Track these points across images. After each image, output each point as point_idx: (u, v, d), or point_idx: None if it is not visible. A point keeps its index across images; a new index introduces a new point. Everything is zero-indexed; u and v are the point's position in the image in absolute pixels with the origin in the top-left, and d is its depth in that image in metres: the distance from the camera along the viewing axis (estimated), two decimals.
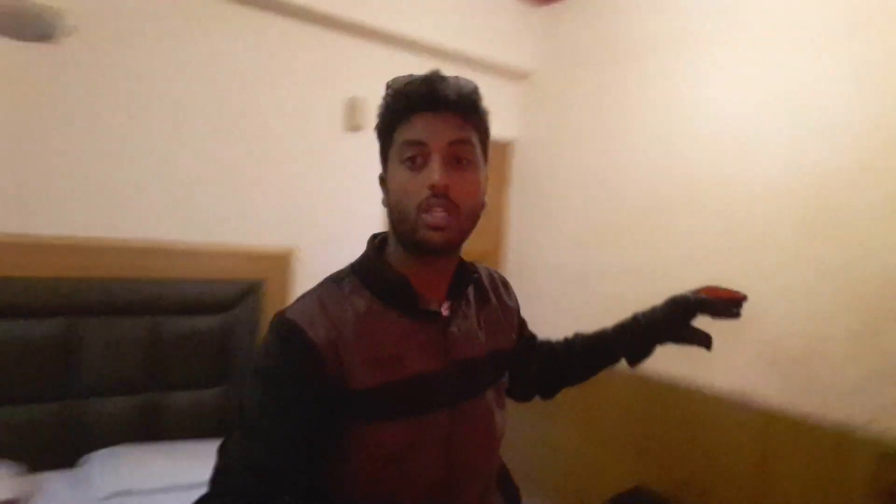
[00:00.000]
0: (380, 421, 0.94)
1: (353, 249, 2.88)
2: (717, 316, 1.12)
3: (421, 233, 0.93)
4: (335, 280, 1.00)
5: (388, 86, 0.99)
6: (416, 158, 0.94)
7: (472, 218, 0.98)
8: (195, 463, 2.35)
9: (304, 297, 0.98)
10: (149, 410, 2.57)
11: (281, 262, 2.86)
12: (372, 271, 0.99)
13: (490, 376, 1.09)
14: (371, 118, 2.99)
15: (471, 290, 1.10)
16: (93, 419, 2.45)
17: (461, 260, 1.08)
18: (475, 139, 0.99)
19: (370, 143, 2.96)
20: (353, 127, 3.07)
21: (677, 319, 1.16)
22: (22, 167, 2.33)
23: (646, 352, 1.21)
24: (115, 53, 2.46)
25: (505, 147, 3.77)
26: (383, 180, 1.02)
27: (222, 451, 0.89)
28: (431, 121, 0.94)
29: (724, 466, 2.59)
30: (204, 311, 2.68)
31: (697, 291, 1.16)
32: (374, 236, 1.07)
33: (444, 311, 1.02)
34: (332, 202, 3.04)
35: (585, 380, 1.28)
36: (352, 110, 3.06)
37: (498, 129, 3.84)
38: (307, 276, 2.93)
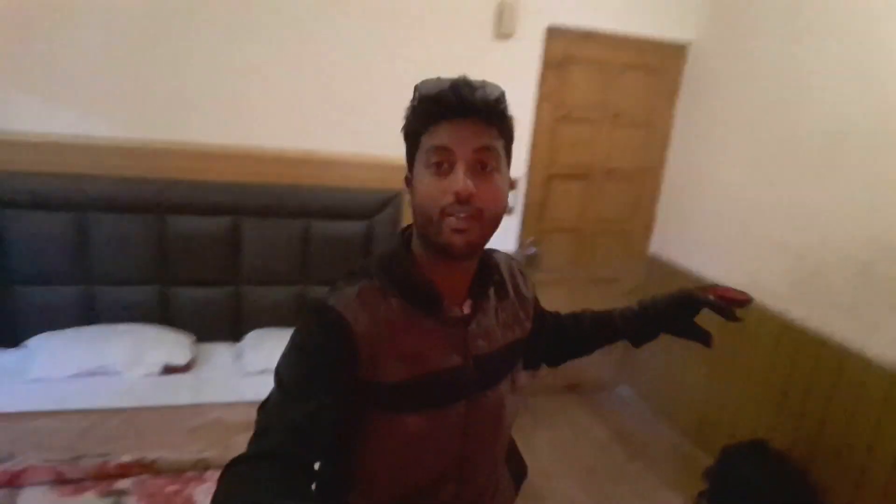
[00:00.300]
0: (404, 412, 1.00)
1: None
2: (722, 316, 1.12)
3: (445, 236, 0.95)
4: (366, 275, 1.03)
5: (416, 89, 1.01)
6: (442, 164, 0.95)
7: (495, 223, 1.00)
8: None
9: (340, 288, 1.01)
10: (298, 299, 2.89)
11: None
12: (401, 275, 1.02)
13: (507, 367, 1.13)
14: (522, 24, 2.87)
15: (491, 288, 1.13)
16: (252, 303, 2.84)
17: (485, 255, 1.11)
18: (500, 146, 0.99)
19: (519, 52, 2.88)
20: (503, 34, 2.97)
21: (682, 315, 1.18)
22: (196, 83, 2.60)
23: (650, 338, 1.25)
24: None
25: (677, 51, 3.35)
26: (409, 181, 1.04)
27: (262, 412, 0.94)
28: (458, 127, 0.95)
29: (859, 436, 2.42)
30: (349, 216, 2.88)
31: (705, 289, 1.16)
32: (404, 229, 1.10)
33: (466, 310, 1.07)
34: None
35: (590, 354, 1.33)
36: (501, 16, 2.93)
37: (671, 29, 3.51)
38: None
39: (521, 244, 3.28)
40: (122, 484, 1.88)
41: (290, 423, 0.87)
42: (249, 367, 2.57)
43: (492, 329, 1.10)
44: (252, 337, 2.74)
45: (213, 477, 1.96)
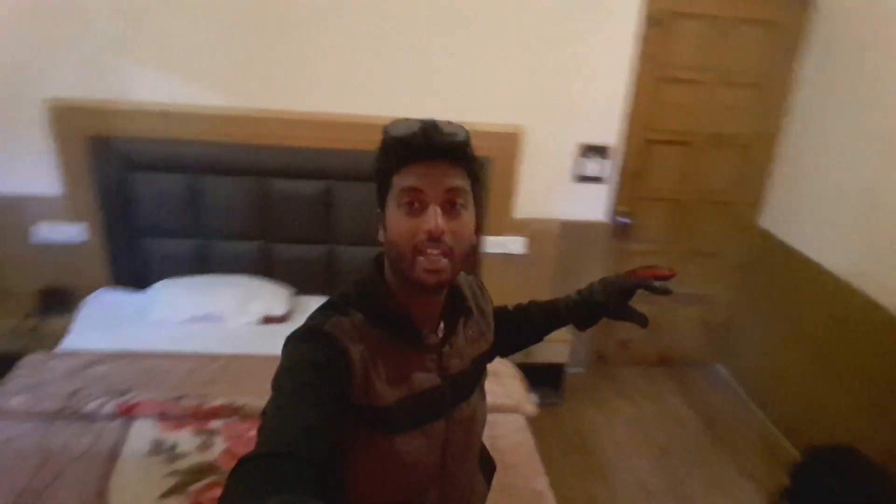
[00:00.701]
0: (392, 433, 1.07)
1: (578, 132, 2.76)
2: (653, 292, 1.20)
3: (417, 273, 1.01)
4: (349, 305, 1.08)
5: (386, 131, 1.04)
6: (414, 203, 1.00)
7: (464, 257, 1.05)
8: None
9: (328, 316, 1.05)
10: None
11: (509, 141, 2.93)
12: (381, 312, 1.07)
13: (476, 380, 1.22)
14: None
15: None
16: (343, 260, 3.04)
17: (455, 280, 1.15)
18: (467, 185, 1.04)
19: (615, 8, 2.69)
20: None
21: (619, 300, 1.25)
22: (292, 53, 2.74)
23: (593, 323, 1.33)
24: None
25: (802, 1, 2.98)
26: (379, 218, 1.09)
27: (269, 415, 0.93)
28: (428, 169, 1.00)
29: None
30: None
31: (632, 273, 1.25)
32: (377, 256, 1.14)
33: (440, 334, 1.14)
34: (564, 79, 2.90)
35: (538, 342, 1.42)
36: None
37: None
38: (533, 155, 2.98)
39: (613, 213, 3.17)
40: (214, 424, 2.16)
41: (302, 424, 0.88)
42: None
43: (462, 348, 1.17)
44: None
45: None
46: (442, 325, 1.15)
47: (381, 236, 1.08)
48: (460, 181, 1.02)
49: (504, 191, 3.01)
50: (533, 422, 2.36)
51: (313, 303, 2.92)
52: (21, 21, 2.55)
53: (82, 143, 2.69)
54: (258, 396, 2.21)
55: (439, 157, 1.00)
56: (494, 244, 3.10)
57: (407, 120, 1.03)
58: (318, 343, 1.01)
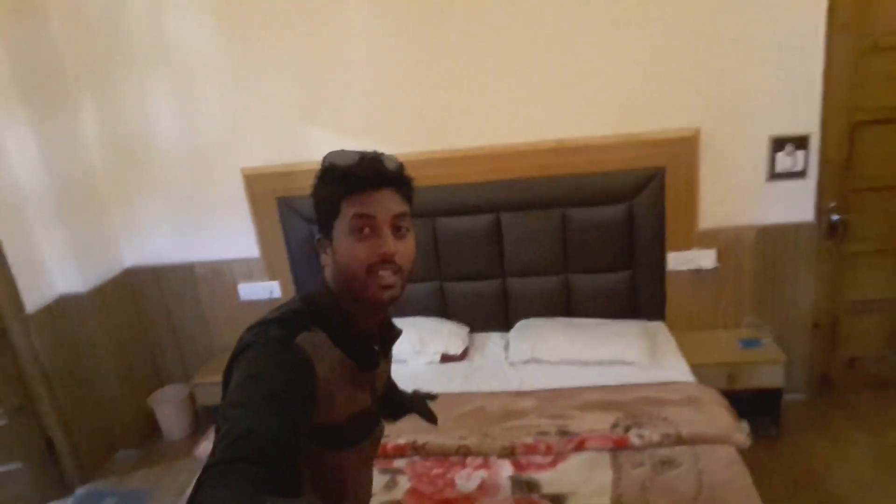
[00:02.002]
0: (339, 449, 1.13)
1: (767, 123, 2.49)
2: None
3: (372, 291, 1.07)
4: (304, 319, 1.09)
5: (331, 162, 1.09)
6: (364, 229, 1.07)
7: (409, 275, 1.12)
8: (594, 341, 2.70)
9: (296, 329, 1.06)
10: (562, 289, 2.94)
11: (683, 146, 2.69)
12: (339, 330, 1.11)
13: (380, 399, 1.32)
14: None
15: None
16: (518, 294, 2.97)
17: None
18: (408, 210, 1.13)
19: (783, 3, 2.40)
20: None
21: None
22: (444, 95, 2.79)
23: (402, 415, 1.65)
24: None
25: None
26: (322, 243, 1.13)
27: (233, 419, 0.90)
28: (376, 196, 1.07)
29: None
30: (608, 201, 2.80)
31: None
32: (318, 278, 1.17)
33: (380, 362, 1.22)
34: (743, 67, 2.60)
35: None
36: None
37: None
38: (713, 159, 2.69)
39: (820, 211, 2.74)
40: (398, 463, 2.18)
41: (272, 433, 0.88)
42: (514, 357, 2.72)
43: (382, 370, 1.26)
44: (518, 327, 2.88)
45: (473, 463, 2.15)
46: (377, 347, 1.21)
47: (324, 260, 1.13)
48: (404, 207, 1.11)
49: (685, 200, 2.75)
50: (746, 457, 2.05)
51: (490, 339, 2.94)
52: (218, 105, 2.90)
53: (273, 205, 2.96)
54: (439, 434, 2.24)
55: (385, 185, 1.08)
56: (680, 260, 2.83)
57: (344, 151, 1.10)
58: (290, 356, 1.01)
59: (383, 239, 1.06)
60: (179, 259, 3.15)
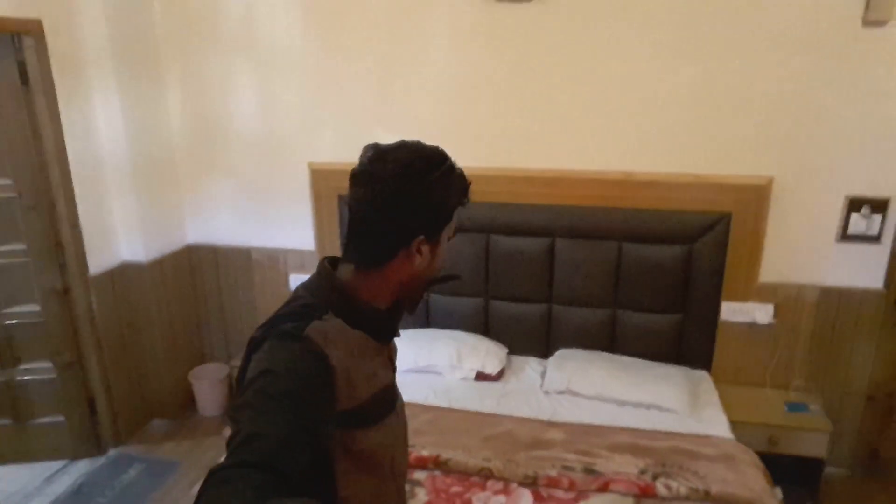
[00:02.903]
0: (368, 428, 1.09)
1: (845, 182, 2.39)
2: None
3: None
4: (320, 311, 1.05)
5: (455, 166, 1.09)
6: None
7: None
8: (633, 381, 2.62)
9: (306, 321, 1.01)
10: (608, 324, 2.88)
11: (754, 194, 2.60)
12: (355, 313, 1.08)
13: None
14: None
15: None
16: (562, 322, 2.93)
17: None
18: None
19: (884, 40, 2.28)
20: (872, 21, 2.39)
21: None
22: (513, 113, 2.80)
23: None
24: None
25: None
26: (422, 243, 1.07)
27: (243, 421, 0.89)
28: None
29: None
30: (667, 240, 2.73)
31: None
32: (325, 260, 1.13)
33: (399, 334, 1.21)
34: (826, 122, 2.51)
35: None
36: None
37: None
38: (784, 211, 2.60)
39: (891, 280, 2.61)
40: (418, 475, 2.16)
41: (281, 435, 0.86)
42: (549, 386, 2.69)
43: (395, 343, 1.24)
44: (558, 356, 2.85)
45: (493, 487, 2.13)
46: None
47: (417, 261, 1.08)
48: None
49: (748, 251, 2.67)
50: None
51: (528, 363, 2.91)
52: (296, 97, 2.99)
53: (334, 201, 3.02)
54: (463, 452, 2.22)
55: None
56: (735, 311, 2.74)
57: (436, 147, 1.10)
58: (299, 349, 0.97)
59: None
60: (239, 242, 3.25)
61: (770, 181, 2.58)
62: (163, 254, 3.13)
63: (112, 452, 3.01)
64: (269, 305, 3.28)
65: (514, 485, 2.12)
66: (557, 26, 2.64)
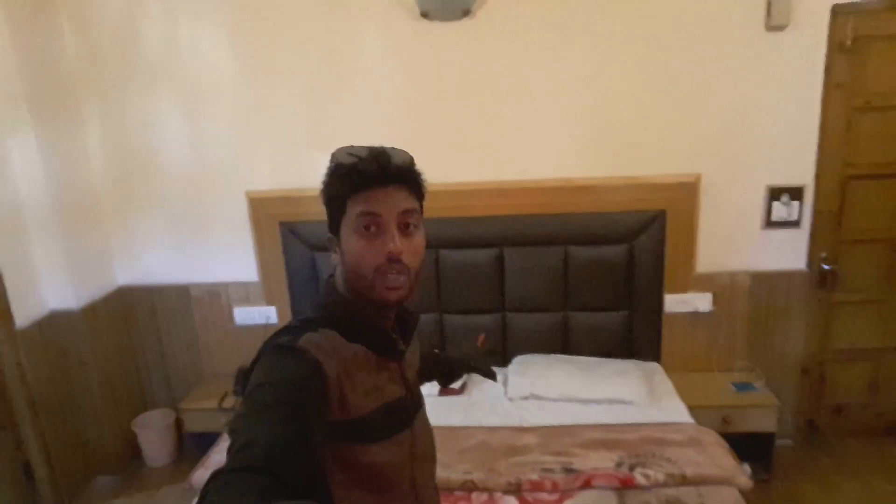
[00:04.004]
0: (367, 443, 1.08)
1: (765, 173, 2.58)
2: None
3: (378, 292, 1.05)
4: (317, 325, 1.07)
5: (337, 159, 1.07)
6: (370, 227, 1.04)
7: (420, 274, 1.09)
8: (592, 379, 2.71)
9: (300, 332, 1.04)
10: (560, 326, 2.97)
11: (684, 191, 2.77)
12: (353, 325, 1.09)
13: (419, 389, 1.26)
14: (798, 11, 2.51)
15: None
16: (516, 330, 2.99)
17: None
18: (418, 206, 1.09)
19: (798, 41, 2.51)
20: (774, 27, 2.60)
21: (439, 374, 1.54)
22: (452, 129, 2.85)
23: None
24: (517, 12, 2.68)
25: None
26: (331, 241, 1.11)
27: (239, 427, 0.91)
28: (382, 194, 1.04)
29: None
30: (608, 241, 2.85)
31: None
32: (329, 279, 1.15)
33: (402, 347, 1.18)
34: (746, 119, 2.72)
35: None
36: (770, 7, 2.58)
37: None
38: (712, 205, 2.79)
39: (812, 260, 2.85)
40: None
41: (276, 440, 0.87)
42: (512, 393, 2.73)
43: (411, 359, 1.22)
44: (516, 363, 2.89)
45: (478, 498, 2.13)
46: (395, 336, 1.18)
47: (334, 259, 1.11)
48: (412, 203, 1.07)
49: (684, 244, 2.83)
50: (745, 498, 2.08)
51: None
52: (227, 125, 2.90)
53: (275, 229, 2.94)
54: (442, 468, 2.18)
55: (392, 182, 1.05)
56: (677, 302, 2.89)
57: (353, 147, 1.08)
58: (294, 359, 0.99)
59: (389, 237, 1.03)
60: (175, 279, 3.09)
61: (698, 178, 2.76)
62: (94, 298, 2.93)
63: None
64: (212, 342, 3.15)
65: (499, 494, 2.14)
66: (488, 42, 2.72)
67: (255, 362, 1.02)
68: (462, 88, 2.79)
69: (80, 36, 2.83)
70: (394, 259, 1.03)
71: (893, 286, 2.89)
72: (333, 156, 1.08)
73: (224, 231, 3.01)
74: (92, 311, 2.91)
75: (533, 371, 2.78)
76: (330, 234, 1.11)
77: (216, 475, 0.81)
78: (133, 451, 3.14)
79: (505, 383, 2.82)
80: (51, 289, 2.79)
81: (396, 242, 1.03)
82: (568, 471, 2.18)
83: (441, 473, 2.19)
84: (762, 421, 2.76)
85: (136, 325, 3.15)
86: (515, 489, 2.14)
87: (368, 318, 1.11)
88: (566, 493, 2.12)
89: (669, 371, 2.87)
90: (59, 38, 2.80)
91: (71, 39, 2.83)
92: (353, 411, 1.04)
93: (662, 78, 2.70)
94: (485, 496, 2.13)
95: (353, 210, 1.05)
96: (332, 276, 1.14)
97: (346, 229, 1.07)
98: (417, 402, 1.22)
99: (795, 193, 2.76)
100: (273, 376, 0.96)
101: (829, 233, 2.82)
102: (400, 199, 1.05)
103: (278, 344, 1.02)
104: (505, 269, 2.92)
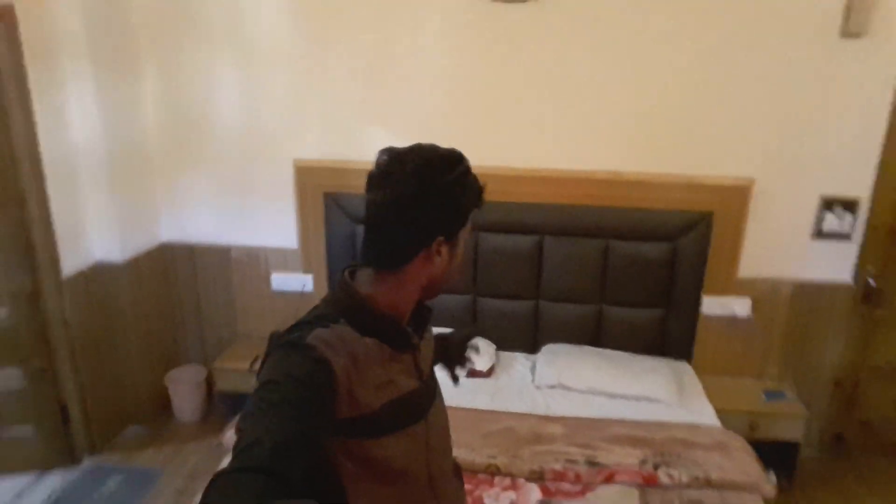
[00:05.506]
0: (380, 437, 1.08)
1: (820, 183, 2.51)
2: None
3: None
4: (330, 320, 1.06)
5: (466, 165, 1.09)
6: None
7: None
8: (622, 374, 2.71)
9: (310, 329, 1.03)
10: (594, 319, 2.95)
11: (735, 195, 2.72)
12: (366, 319, 1.09)
13: (436, 383, 1.26)
14: (876, 19, 2.45)
15: None
16: (550, 318, 2.99)
17: None
18: None
19: (872, 51, 2.41)
20: (850, 33, 2.51)
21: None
22: (504, 113, 2.82)
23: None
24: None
25: None
26: (441, 243, 1.09)
27: (246, 426, 0.91)
28: None
29: None
30: (652, 238, 2.82)
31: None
32: (346, 273, 1.15)
33: (416, 340, 1.17)
34: (804, 127, 2.64)
35: None
36: (849, 12, 2.49)
37: None
38: (762, 210, 2.73)
39: (859, 275, 2.78)
40: None
41: (277, 441, 0.86)
42: (540, 381, 2.74)
43: (426, 351, 1.22)
44: (546, 351, 2.90)
45: (501, 483, 2.15)
46: (410, 329, 1.17)
47: (437, 262, 1.10)
48: None
49: (728, 248, 2.78)
50: None
51: (516, 360, 2.95)
52: (281, 91, 2.91)
53: (319, 199, 2.96)
54: (467, 450, 2.23)
55: None
56: (716, 305, 2.85)
57: (460, 152, 1.11)
58: (301, 356, 0.98)
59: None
60: (217, 240, 3.14)
61: (751, 182, 2.70)
62: (138, 253, 2.99)
63: (87, 463, 2.87)
64: (248, 305, 3.20)
65: (522, 480, 2.16)
66: (551, 26, 2.67)
67: (265, 358, 1.02)
68: (519, 73, 2.75)
69: None
70: None
71: None
72: (466, 163, 1.10)
73: (268, 196, 3.04)
74: (135, 265, 2.97)
75: (561, 361, 2.78)
76: (441, 237, 1.08)
77: (220, 475, 0.81)
78: (163, 404, 3.22)
79: (532, 370, 2.84)
80: (97, 240, 2.85)
81: None
82: (592, 464, 2.19)
83: (466, 456, 2.22)
84: (789, 430, 2.74)
85: (175, 281, 3.22)
86: (538, 477, 2.16)
87: (385, 312, 1.10)
88: (588, 485, 2.14)
89: (700, 373, 2.85)
90: None
91: None
92: (364, 408, 1.04)
93: (726, 77, 2.64)
94: (507, 481, 2.16)
95: (472, 221, 1.15)
96: (345, 271, 1.15)
97: (462, 238, 1.15)
98: (432, 394, 1.22)
99: (849, 205, 2.69)
100: (280, 374, 0.96)
101: (880, 248, 2.75)
102: None
103: (287, 341, 1.01)
104: (543, 257, 2.90)
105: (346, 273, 1.14)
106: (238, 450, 0.86)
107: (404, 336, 1.13)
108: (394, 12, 2.74)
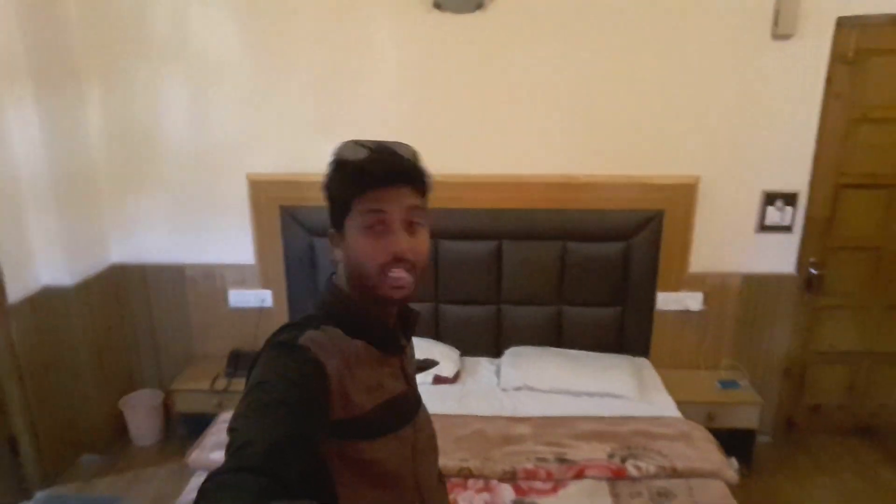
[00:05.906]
0: (368, 439, 1.07)
1: (761, 179, 2.63)
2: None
3: (384, 290, 1.04)
4: (319, 321, 1.06)
5: (342, 157, 1.04)
6: (376, 226, 1.02)
7: (423, 271, 1.08)
8: (584, 372, 2.77)
9: (301, 330, 1.03)
10: (554, 320, 3.01)
11: (683, 192, 2.83)
12: (355, 321, 1.09)
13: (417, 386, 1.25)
14: (805, 21, 2.62)
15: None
16: (511, 322, 3.03)
17: None
18: (423, 203, 1.07)
19: (802, 51, 2.57)
20: (781, 35, 2.65)
21: None
22: (457, 121, 2.86)
23: None
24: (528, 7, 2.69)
25: None
26: (334, 238, 1.09)
27: (239, 426, 0.90)
28: (388, 192, 1.02)
29: None
30: (606, 238, 2.90)
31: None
32: (331, 278, 1.14)
33: (403, 342, 1.18)
34: (746, 125, 2.77)
35: None
36: (778, 15, 2.63)
37: None
38: (709, 207, 2.85)
39: (801, 265, 2.93)
40: None
41: (272, 441, 0.86)
42: (506, 384, 2.77)
43: (411, 352, 1.23)
44: (509, 354, 2.94)
45: (475, 485, 2.17)
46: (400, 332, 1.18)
47: (337, 255, 1.09)
48: (418, 201, 1.06)
49: (679, 244, 2.89)
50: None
51: (481, 364, 2.97)
52: (232, 107, 2.87)
53: (275, 213, 2.93)
54: (442, 455, 2.23)
55: (399, 181, 1.03)
56: (669, 300, 2.95)
57: (357, 142, 1.05)
58: (294, 358, 0.98)
59: (396, 237, 1.02)
60: (170, 259, 3.06)
61: (697, 180, 2.81)
62: (87, 276, 2.89)
63: (40, 496, 2.73)
64: (205, 324, 3.13)
65: (495, 481, 2.18)
66: (499, 36, 2.72)
67: (255, 360, 1.01)
68: (469, 81, 2.80)
69: (87, 10, 2.77)
70: (400, 258, 1.02)
71: (875, 292, 2.99)
72: (338, 151, 1.05)
73: (222, 213, 2.99)
74: (85, 288, 2.87)
75: (525, 362, 2.82)
76: (332, 230, 1.09)
77: (213, 476, 0.80)
78: (120, 430, 3.11)
79: (497, 374, 2.87)
80: (45, 264, 2.74)
81: (403, 241, 1.02)
82: (562, 461, 2.23)
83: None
84: (745, 418, 2.85)
85: (128, 303, 3.12)
86: (511, 477, 2.18)
87: (371, 314, 1.10)
88: (560, 482, 2.17)
89: (658, 367, 2.94)
90: (64, 11, 2.73)
91: (76, 9, 2.76)
92: (356, 409, 1.04)
93: (668, 80, 2.74)
94: (480, 483, 2.17)
95: (359, 208, 1.03)
96: (333, 273, 1.13)
97: (352, 227, 1.04)
98: (418, 397, 1.22)
99: (789, 199, 2.83)
100: (272, 375, 0.95)
101: (818, 238, 2.90)
102: (406, 198, 1.03)
103: (279, 342, 1.01)
104: (503, 261, 2.95)
105: (333, 275, 1.13)
106: (231, 450, 0.85)
107: (392, 337, 1.13)
108: (343, 25, 2.75)
